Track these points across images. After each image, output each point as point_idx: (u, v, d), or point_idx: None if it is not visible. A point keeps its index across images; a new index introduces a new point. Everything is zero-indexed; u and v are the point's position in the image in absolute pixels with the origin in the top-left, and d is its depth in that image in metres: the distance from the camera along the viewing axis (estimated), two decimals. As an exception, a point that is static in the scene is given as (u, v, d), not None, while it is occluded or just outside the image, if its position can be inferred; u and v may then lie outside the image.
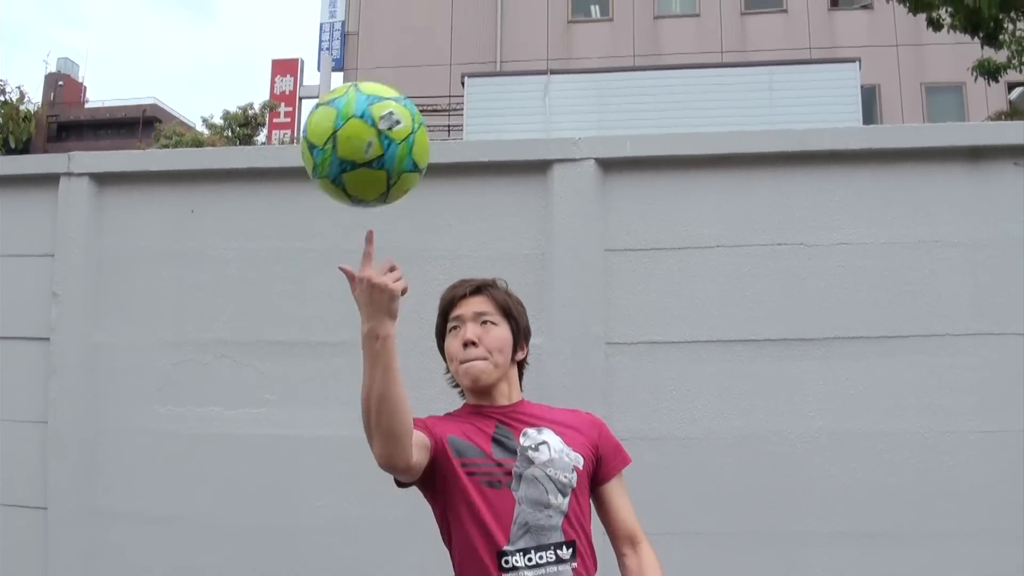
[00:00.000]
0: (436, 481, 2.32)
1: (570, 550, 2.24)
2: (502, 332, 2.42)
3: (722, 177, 3.41)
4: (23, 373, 3.65)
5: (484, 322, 2.40)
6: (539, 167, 3.45)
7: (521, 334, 2.49)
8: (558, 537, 2.25)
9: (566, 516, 2.27)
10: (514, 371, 2.49)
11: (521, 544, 2.21)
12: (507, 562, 2.20)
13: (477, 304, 2.43)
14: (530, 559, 2.21)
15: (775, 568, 3.24)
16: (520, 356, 2.50)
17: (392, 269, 2.12)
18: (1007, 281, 3.26)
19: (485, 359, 2.37)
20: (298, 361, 3.49)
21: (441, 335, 2.50)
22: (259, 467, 3.48)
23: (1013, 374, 3.22)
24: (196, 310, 3.58)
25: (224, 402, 3.52)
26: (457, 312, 2.43)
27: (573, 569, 2.24)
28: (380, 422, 2.09)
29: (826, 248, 3.33)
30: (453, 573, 2.33)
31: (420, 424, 2.31)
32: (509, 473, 2.28)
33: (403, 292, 2.10)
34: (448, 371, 2.51)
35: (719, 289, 3.35)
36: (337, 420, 3.43)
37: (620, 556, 2.43)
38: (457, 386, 2.52)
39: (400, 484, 2.37)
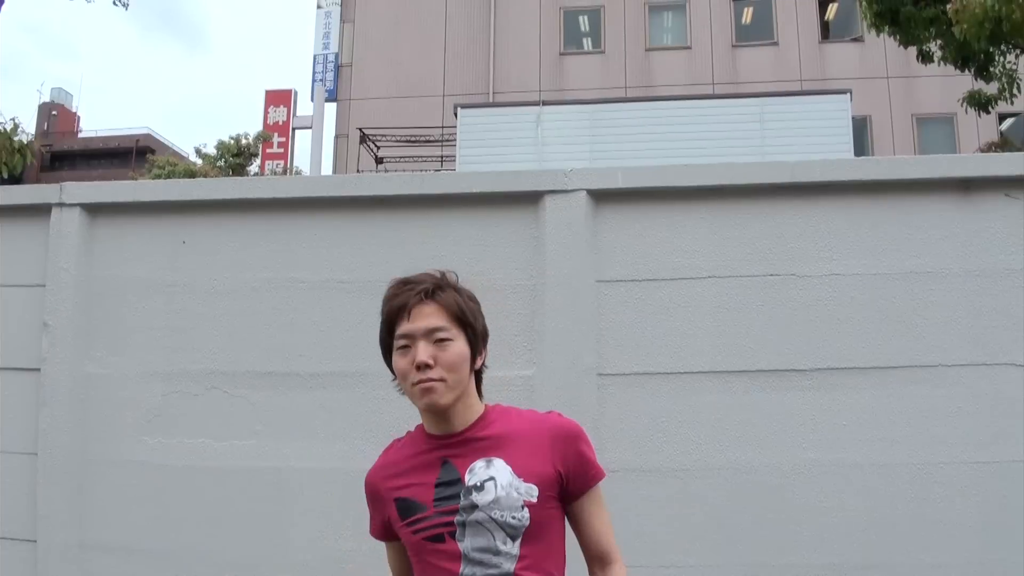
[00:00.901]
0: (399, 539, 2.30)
1: None
2: (458, 347, 2.20)
3: (714, 208, 3.41)
4: (14, 404, 3.62)
5: (438, 340, 2.18)
6: (531, 198, 3.45)
7: (478, 340, 2.27)
8: None
9: (519, 560, 2.15)
10: (472, 385, 2.30)
11: None
12: None
13: (428, 317, 2.19)
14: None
15: (768, 601, 3.22)
16: (479, 364, 2.30)
17: None
18: (999, 312, 3.27)
19: (442, 380, 2.17)
20: (289, 392, 3.48)
21: (387, 348, 2.29)
22: (250, 499, 3.45)
23: (1006, 404, 3.22)
24: (187, 341, 3.57)
25: (214, 434, 3.50)
26: (406, 328, 2.19)
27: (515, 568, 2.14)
28: None
29: (818, 279, 3.33)
30: None
31: (383, 526, 2.35)
32: (451, 523, 2.16)
33: None
34: (396, 382, 2.30)
35: (711, 320, 3.35)
36: (328, 452, 3.42)
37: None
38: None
39: None
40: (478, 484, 2.17)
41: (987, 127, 22.11)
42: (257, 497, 3.45)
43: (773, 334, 3.32)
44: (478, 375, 2.35)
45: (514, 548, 2.14)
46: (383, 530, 2.34)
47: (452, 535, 2.15)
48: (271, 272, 3.56)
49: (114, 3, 12.88)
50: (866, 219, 3.36)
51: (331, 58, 28.18)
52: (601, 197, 3.44)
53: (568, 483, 2.24)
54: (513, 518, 2.15)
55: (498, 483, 2.17)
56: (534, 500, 2.17)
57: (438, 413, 2.22)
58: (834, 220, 3.36)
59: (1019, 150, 16.27)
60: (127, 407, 3.56)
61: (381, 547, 3.26)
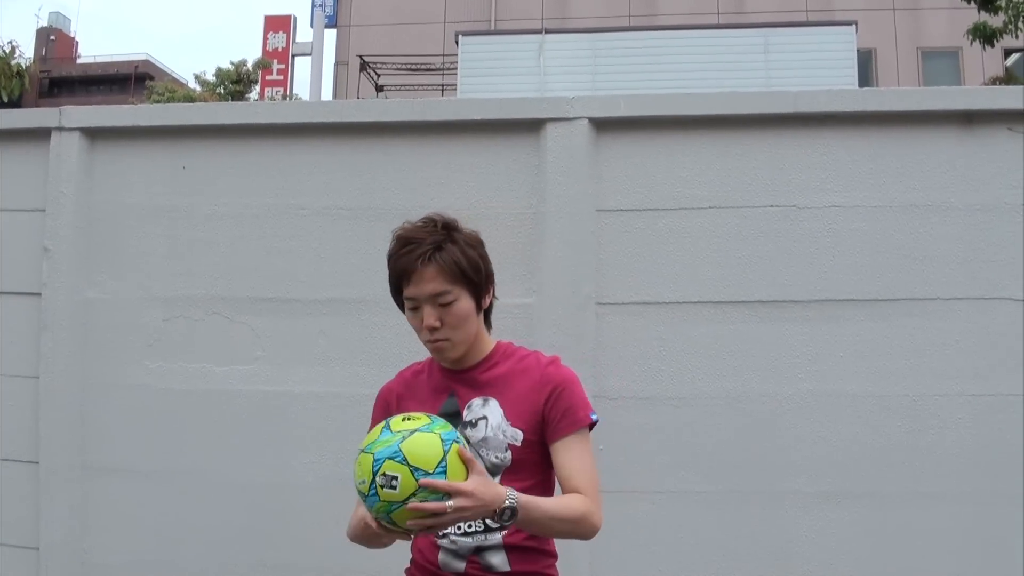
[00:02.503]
0: None
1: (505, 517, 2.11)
2: (462, 306, 2.29)
3: (715, 138, 3.40)
4: (15, 328, 3.65)
5: (442, 304, 2.26)
6: (532, 126, 3.43)
7: (483, 287, 2.35)
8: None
9: None
10: (481, 324, 2.40)
11: None
12: (439, 534, 2.25)
13: (430, 281, 2.26)
14: (458, 527, 2.24)
15: (762, 527, 3.27)
16: (485, 304, 2.40)
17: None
18: (999, 246, 3.27)
19: (448, 340, 2.29)
20: (290, 318, 3.49)
21: (398, 302, 2.39)
22: (249, 423, 3.49)
23: (1003, 338, 3.24)
24: (187, 266, 3.58)
25: (215, 358, 3.53)
26: (411, 292, 2.29)
27: (503, 536, 2.26)
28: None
29: (818, 211, 3.33)
30: None
31: (383, 409, 2.41)
32: None
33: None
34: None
35: (711, 250, 3.35)
36: (328, 377, 3.45)
37: None
38: None
39: None
40: (472, 421, 2.32)
41: (992, 62, 21.87)
42: (257, 421, 3.49)
43: (772, 265, 3.33)
44: (486, 313, 2.45)
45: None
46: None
47: None
48: (271, 198, 3.56)
49: None
50: (868, 151, 3.35)
51: (330, -19, 27.83)
52: (603, 126, 3.42)
53: (545, 428, 2.31)
54: (496, 457, 2.29)
55: (489, 423, 2.31)
56: (517, 444, 2.29)
57: (450, 363, 2.38)
58: (836, 152, 3.35)
59: (1024, 84, 16.16)
60: (128, 331, 3.59)
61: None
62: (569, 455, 2.30)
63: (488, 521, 2.19)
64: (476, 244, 2.37)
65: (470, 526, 2.24)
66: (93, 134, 3.66)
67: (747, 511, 3.28)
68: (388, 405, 2.43)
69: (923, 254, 3.28)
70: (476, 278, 2.31)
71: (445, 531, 2.21)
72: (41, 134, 3.66)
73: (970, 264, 3.28)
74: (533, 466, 2.32)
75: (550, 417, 2.31)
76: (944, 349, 3.25)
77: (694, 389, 3.29)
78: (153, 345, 3.56)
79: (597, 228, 3.37)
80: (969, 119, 3.33)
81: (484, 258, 2.38)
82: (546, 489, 2.35)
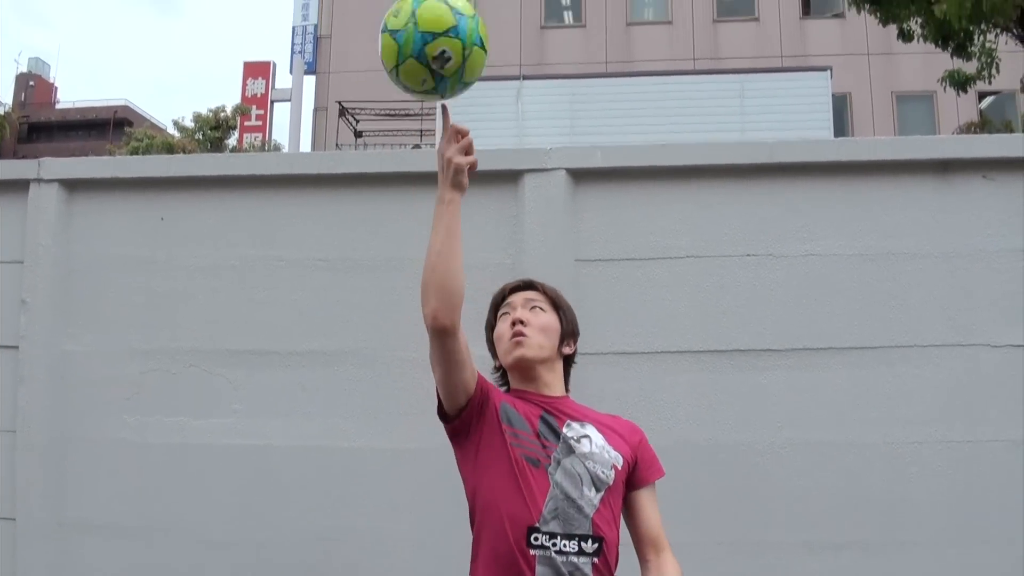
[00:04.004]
0: (477, 435, 2.38)
1: (595, 545, 2.27)
2: (550, 318, 2.53)
3: (693, 188, 3.42)
4: (-9, 381, 3.61)
5: (533, 307, 2.52)
6: (510, 177, 3.45)
7: (569, 328, 2.58)
8: (585, 530, 2.27)
9: (597, 511, 2.31)
10: (560, 365, 2.57)
11: (550, 527, 2.25)
12: (536, 539, 2.24)
13: (528, 294, 2.57)
14: (555, 544, 2.24)
15: (743, 578, 3.25)
16: (567, 350, 2.58)
17: (462, 136, 2.38)
18: (975, 293, 3.29)
19: (529, 336, 2.46)
20: (268, 371, 3.48)
21: (491, 328, 2.61)
22: (228, 477, 3.46)
23: (980, 385, 3.25)
24: (165, 318, 3.56)
25: (193, 412, 3.50)
26: (508, 300, 2.58)
27: (594, 564, 2.26)
28: (435, 275, 2.29)
29: (795, 259, 3.35)
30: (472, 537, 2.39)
31: (479, 375, 2.42)
32: (549, 456, 2.33)
33: (470, 166, 2.39)
34: (495, 367, 2.62)
35: (689, 299, 3.37)
36: (307, 430, 3.42)
37: (643, 561, 2.45)
38: (504, 384, 2.58)
39: (444, 416, 2.44)
40: (576, 437, 2.39)
41: (967, 105, 22.13)
42: (236, 475, 3.45)
43: (751, 314, 3.34)
44: (567, 366, 2.62)
45: (596, 498, 2.32)
46: (479, 376, 2.43)
47: (547, 466, 2.32)
48: (250, 249, 3.55)
49: None
50: (844, 199, 3.38)
51: (310, 29, 27.96)
52: (580, 176, 3.44)
53: (636, 470, 2.46)
54: (603, 472, 2.35)
55: (593, 441, 2.39)
56: (619, 467, 2.39)
57: (525, 369, 2.49)
58: (812, 200, 3.38)
59: (998, 129, 16.36)
60: (106, 385, 3.55)
61: (360, 524, 3.29)
62: (652, 504, 2.50)
63: (583, 545, 2.27)
64: (572, 309, 2.65)
65: (565, 545, 2.26)
66: (72, 185, 3.65)
67: (729, 562, 3.26)
68: (488, 390, 2.45)
69: (901, 302, 3.30)
70: (568, 314, 2.60)
71: (543, 543, 2.25)
72: (19, 185, 3.65)
73: (948, 311, 3.30)
74: (620, 496, 2.42)
75: (643, 460, 2.50)
76: (923, 396, 3.26)
77: (673, 438, 3.28)
78: (131, 398, 3.53)
79: (576, 278, 3.38)
80: (944, 167, 3.37)
81: (575, 317, 2.64)
82: (619, 524, 2.41)
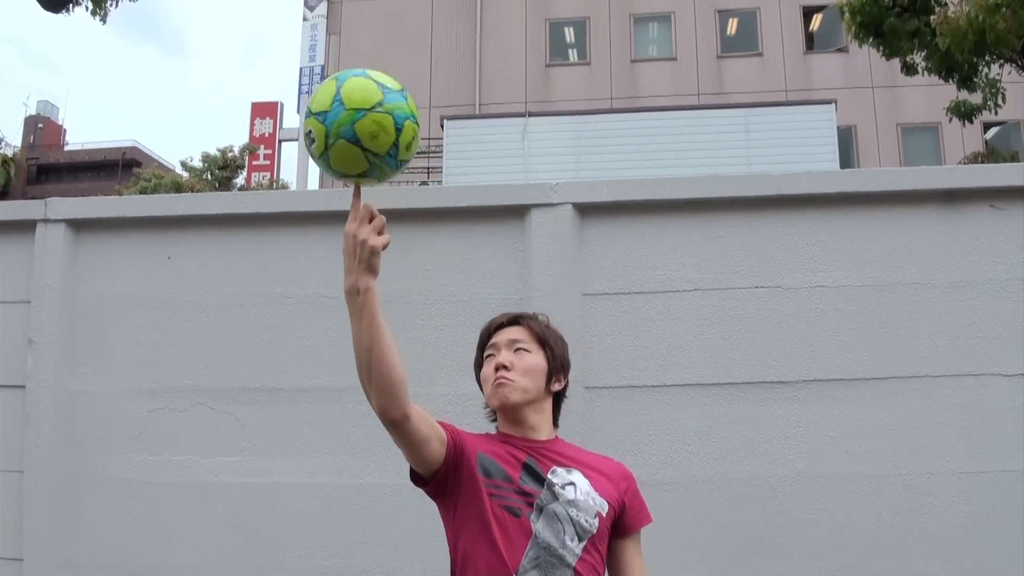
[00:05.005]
0: (455, 493, 2.34)
1: None
2: (535, 359, 2.48)
3: (699, 221, 3.42)
4: (-2, 421, 3.60)
5: (517, 349, 2.48)
6: (517, 212, 3.45)
7: (558, 364, 2.54)
8: None
9: (580, 559, 2.28)
10: (548, 404, 2.55)
11: None
12: None
13: (513, 333, 2.52)
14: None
15: (757, 613, 3.22)
16: (557, 387, 2.55)
17: (372, 219, 2.23)
18: (986, 322, 3.28)
19: (512, 381, 2.42)
20: (275, 408, 3.46)
21: (479, 366, 2.58)
22: (236, 516, 3.43)
23: (994, 414, 3.23)
24: (172, 357, 3.55)
25: (200, 450, 3.48)
26: (493, 341, 2.53)
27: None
28: (372, 373, 2.17)
29: (804, 291, 3.34)
30: None
31: (446, 426, 2.38)
32: (531, 504, 2.30)
33: (384, 247, 2.23)
34: (486, 405, 2.58)
35: (697, 332, 3.35)
36: (315, 467, 3.41)
37: None
38: (494, 420, 2.56)
39: (417, 480, 2.40)
40: (561, 484, 2.36)
41: (972, 136, 22.21)
42: (244, 513, 3.43)
43: (759, 346, 3.32)
44: (556, 403, 2.61)
45: (578, 548, 2.29)
46: (449, 433, 2.38)
47: (528, 514, 2.29)
48: (257, 287, 3.55)
49: (92, 15, 12.75)
50: (851, 231, 3.37)
51: (317, 70, 28.21)
52: (587, 210, 3.44)
53: (623, 517, 2.44)
54: (586, 521, 2.32)
55: (578, 488, 2.36)
56: (604, 514, 2.36)
57: (509, 412, 2.47)
58: (819, 232, 3.37)
59: (1004, 159, 16.36)
60: (112, 424, 3.54)
61: (367, 565, 3.27)
62: (637, 554, 2.48)
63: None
64: (562, 339, 2.63)
65: None
66: (78, 225, 3.66)
67: (741, 597, 3.23)
68: (463, 441, 2.39)
69: (910, 332, 3.29)
70: (555, 349, 2.55)
71: None
72: (27, 226, 3.66)
73: (958, 341, 3.28)
74: (605, 541, 2.39)
75: (630, 507, 2.47)
76: (935, 427, 3.24)
77: (683, 472, 3.26)
78: (138, 437, 3.52)
79: (583, 312, 3.37)
80: (951, 197, 3.36)
81: (564, 345, 2.62)
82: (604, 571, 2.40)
